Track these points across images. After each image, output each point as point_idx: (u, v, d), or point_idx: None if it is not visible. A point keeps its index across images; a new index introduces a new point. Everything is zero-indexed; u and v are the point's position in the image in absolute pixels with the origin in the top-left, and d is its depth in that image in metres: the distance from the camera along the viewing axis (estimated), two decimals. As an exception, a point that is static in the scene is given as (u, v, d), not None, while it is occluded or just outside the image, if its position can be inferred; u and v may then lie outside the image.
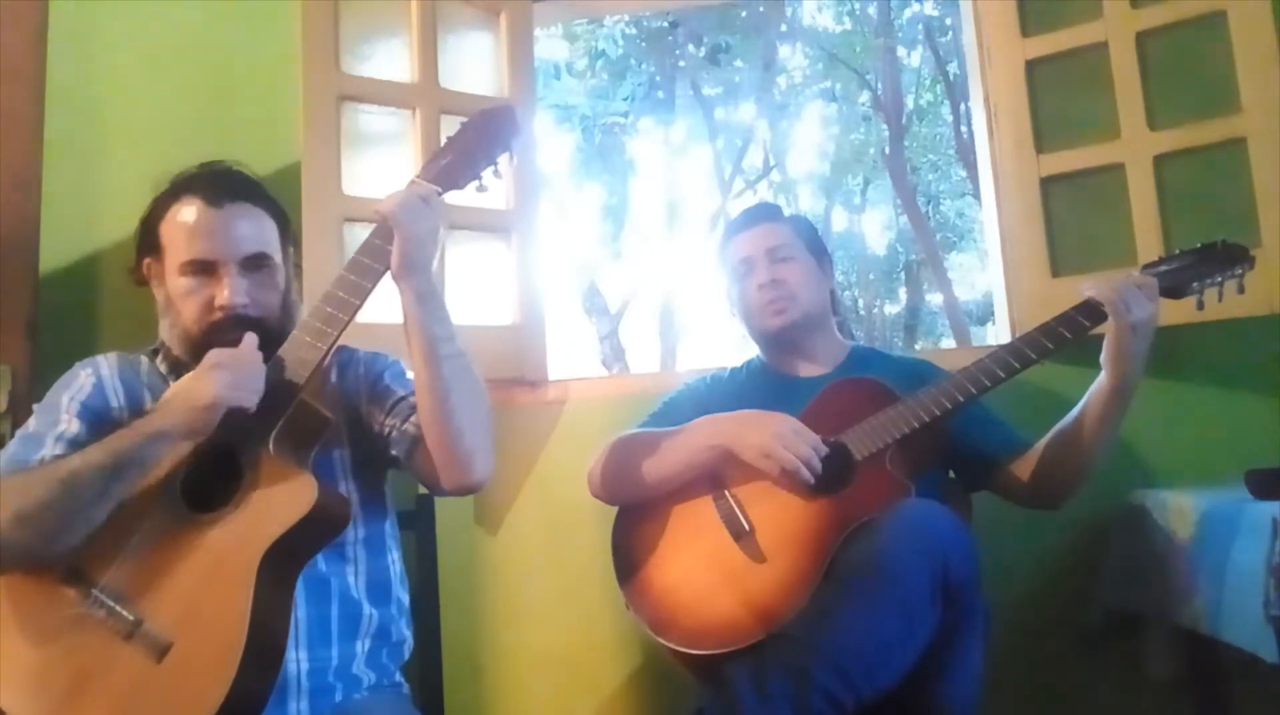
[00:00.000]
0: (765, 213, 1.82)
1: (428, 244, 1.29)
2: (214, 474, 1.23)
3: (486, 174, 1.39)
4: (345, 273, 1.30)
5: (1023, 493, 1.60)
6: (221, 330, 1.31)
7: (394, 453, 1.39)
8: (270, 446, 1.22)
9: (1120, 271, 1.53)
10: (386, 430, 1.39)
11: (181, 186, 1.37)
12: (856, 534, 1.39)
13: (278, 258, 1.39)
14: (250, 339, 1.26)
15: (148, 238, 1.38)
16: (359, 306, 1.29)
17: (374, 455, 1.43)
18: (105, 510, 1.18)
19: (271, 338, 1.32)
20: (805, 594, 1.36)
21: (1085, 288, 1.47)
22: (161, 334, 1.39)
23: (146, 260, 1.39)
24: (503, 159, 1.39)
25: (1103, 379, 1.47)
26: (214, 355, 1.22)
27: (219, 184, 1.36)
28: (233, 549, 1.17)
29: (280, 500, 1.18)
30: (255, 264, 1.35)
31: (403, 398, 1.41)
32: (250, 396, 1.20)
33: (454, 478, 1.32)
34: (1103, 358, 1.46)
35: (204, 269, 1.32)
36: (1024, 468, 1.58)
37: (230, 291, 1.31)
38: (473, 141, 1.38)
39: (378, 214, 1.30)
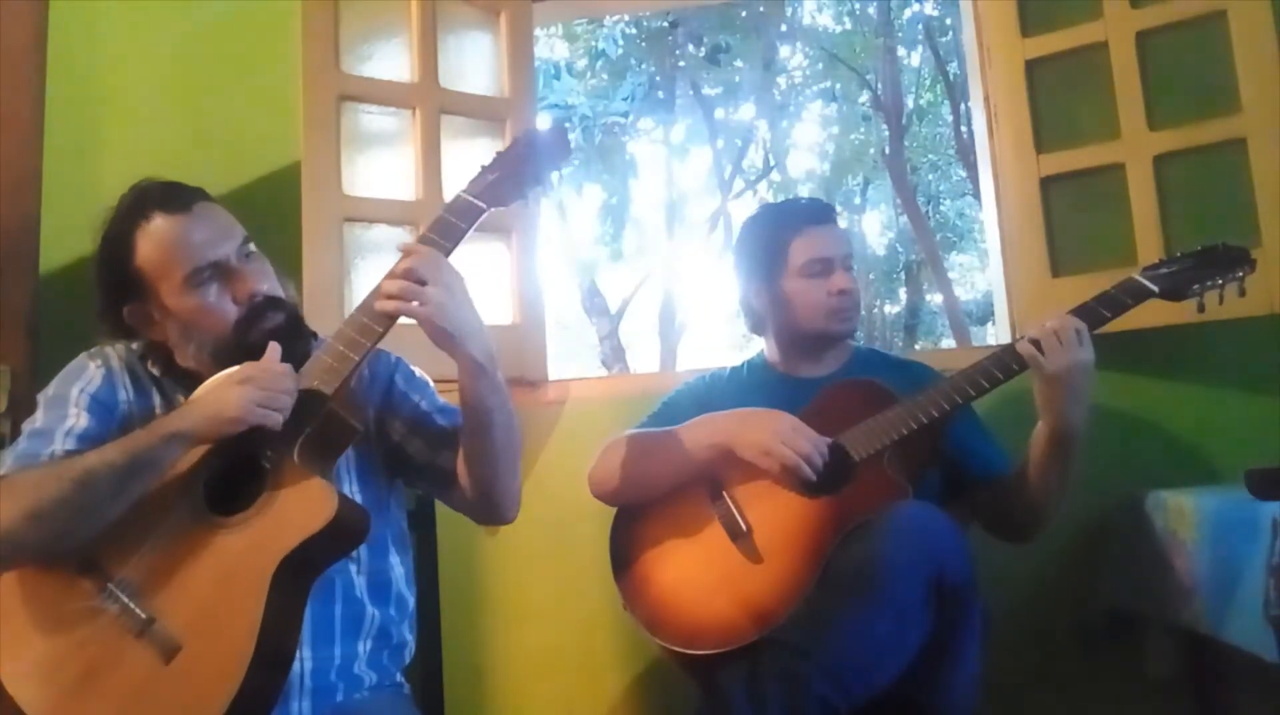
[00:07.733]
0: (834, 213, 1.74)
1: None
2: (237, 476, 1.21)
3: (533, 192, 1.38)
4: (383, 282, 1.27)
5: (985, 523, 1.61)
6: (259, 316, 1.28)
7: (424, 483, 1.42)
8: (295, 455, 1.20)
9: (1122, 272, 1.53)
10: (411, 451, 1.39)
11: (126, 219, 1.30)
12: (851, 536, 1.39)
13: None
14: (274, 350, 1.23)
15: (120, 285, 1.30)
16: (395, 318, 1.27)
17: (382, 460, 1.42)
18: (119, 509, 1.16)
19: (295, 320, 1.32)
20: (801, 595, 1.36)
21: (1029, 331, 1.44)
22: (183, 363, 1.32)
23: (127, 309, 1.32)
24: (553, 178, 1.38)
25: (1040, 424, 1.47)
26: (245, 369, 1.20)
27: (171, 194, 1.31)
28: (248, 556, 1.16)
29: (300, 510, 1.17)
30: (248, 252, 1.32)
31: (427, 414, 1.40)
32: (276, 418, 1.17)
33: (488, 517, 1.38)
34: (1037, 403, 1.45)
35: (215, 272, 1.28)
36: (993, 495, 1.59)
37: (253, 279, 1.29)
38: (523, 159, 1.35)
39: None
